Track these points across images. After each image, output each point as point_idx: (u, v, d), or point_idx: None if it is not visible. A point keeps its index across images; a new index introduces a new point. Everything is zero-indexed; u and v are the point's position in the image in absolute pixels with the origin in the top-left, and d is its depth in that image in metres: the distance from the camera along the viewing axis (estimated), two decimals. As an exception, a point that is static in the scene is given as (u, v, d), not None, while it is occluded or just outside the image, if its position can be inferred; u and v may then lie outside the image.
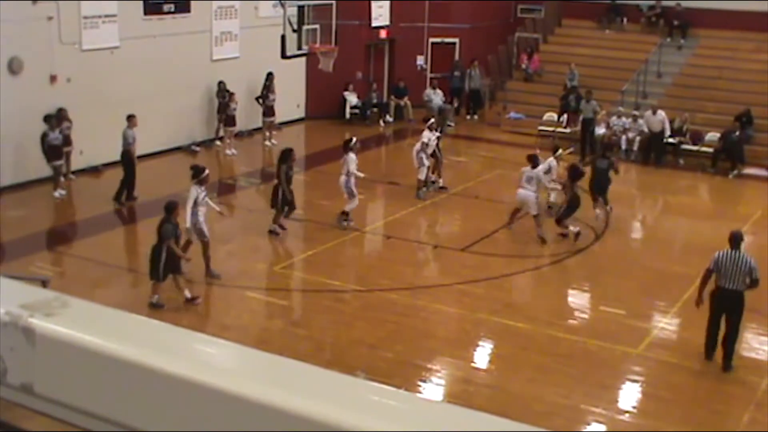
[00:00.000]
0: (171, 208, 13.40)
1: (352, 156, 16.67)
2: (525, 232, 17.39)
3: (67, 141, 18.89)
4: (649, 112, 23.65)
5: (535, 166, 16.77)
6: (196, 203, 14.19)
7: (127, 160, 18.49)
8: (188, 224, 14.11)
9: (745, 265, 11.68)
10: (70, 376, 2.04)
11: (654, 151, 23.34)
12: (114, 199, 18.47)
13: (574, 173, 16.52)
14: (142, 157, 21.22)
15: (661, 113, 23.50)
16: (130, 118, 18.44)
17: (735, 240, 12.02)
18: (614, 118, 24.37)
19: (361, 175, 17.01)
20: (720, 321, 11.88)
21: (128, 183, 18.52)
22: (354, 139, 17.28)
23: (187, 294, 13.40)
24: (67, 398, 2.04)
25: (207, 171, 14.60)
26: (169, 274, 13.26)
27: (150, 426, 1.97)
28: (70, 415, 2.06)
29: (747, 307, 13.98)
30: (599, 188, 17.61)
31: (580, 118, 23.91)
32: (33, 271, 13.98)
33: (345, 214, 16.93)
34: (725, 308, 11.81)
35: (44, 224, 17.53)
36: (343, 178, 16.70)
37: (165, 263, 13.10)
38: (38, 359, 2.06)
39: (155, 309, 13.09)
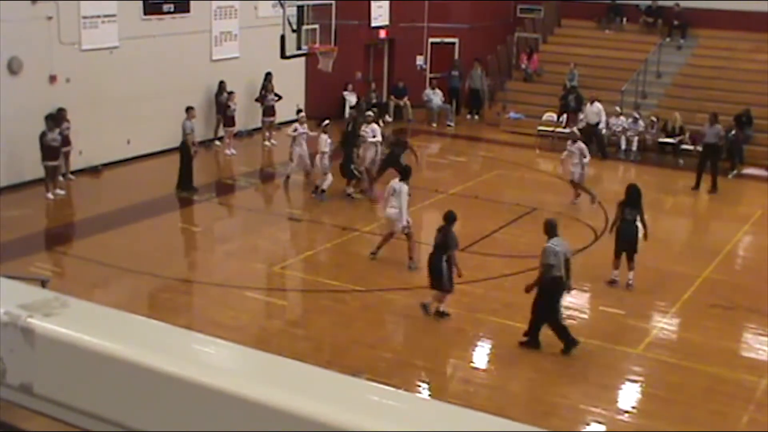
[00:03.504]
0: (454, 219, 13.23)
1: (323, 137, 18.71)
2: (524, 233, 17.39)
3: (65, 141, 18.89)
4: (588, 104, 23.69)
5: (575, 141, 18.79)
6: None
7: (184, 151, 19.07)
8: (404, 222, 15.07)
9: (569, 250, 12.16)
10: (69, 377, 2.03)
11: (595, 143, 23.30)
12: (177, 188, 19.07)
13: None
14: (142, 157, 21.29)
15: (598, 104, 23.56)
16: (189, 110, 19.33)
17: (555, 228, 12.33)
18: (613, 118, 24.38)
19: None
20: None
21: (186, 172, 19.12)
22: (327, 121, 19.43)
23: (443, 308, 13.18)
24: (67, 398, 2.04)
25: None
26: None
27: (149, 426, 1.97)
28: (70, 415, 2.06)
29: (747, 308, 14.04)
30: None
31: (704, 141, 21.45)
32: (32, 271, 13.96)
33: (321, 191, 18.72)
34: (561, 296, 12.12)
35: (43, 224, 17.53)
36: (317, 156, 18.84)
37: (449, 273, 12.97)
38: (37, 359, 2.06)
39: (443, 318, 12.97)
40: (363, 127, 19.60)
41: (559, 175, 22.54)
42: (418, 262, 14.82)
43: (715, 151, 21.18)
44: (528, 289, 12.28)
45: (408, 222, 15.24)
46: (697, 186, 21.06)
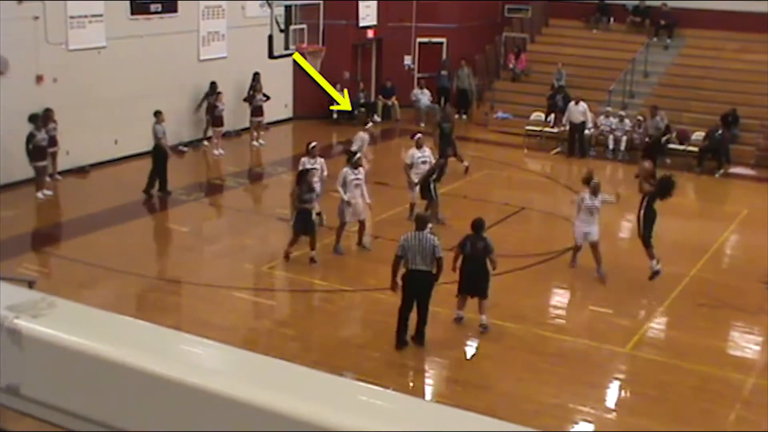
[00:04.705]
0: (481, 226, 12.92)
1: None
2: (512, 232, 17.41)
3: (52, 142, 18.85)
4: (571, 104, 23.85)
5: (597, 192, 14.84)
6: (345, 184, 15.46)
7: (158, 154, 18.83)
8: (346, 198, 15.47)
9: (428, 245, 11.85)
10: (57, 378, 2.02)
11: (578, 143, 23.82)
12: (144, 191, 18.81)
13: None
14: (129, 157, 21.22)
15: (583, 104, 23.75)
16: (158, 114, 18.94)
17: (420, 221, 12.29)
18: (602, 117, 24.46)
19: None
20: (412, 304, 12.09)
21: (160, 176, 18.86)
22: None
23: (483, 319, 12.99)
24: (55, 400, 2.03)
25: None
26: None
27: (137, 427, 1.96)
28: (58, 416, 2.04)
29: (734, 306, 14.09)
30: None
31: (647, 134, 22.25)
32: (20, 272, 13.90)
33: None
34: (416, 290, 12.02)
35: (31, 225, 17.45)
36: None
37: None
38: (25, 361, 2.05)
39: (484, 331, 12.78)
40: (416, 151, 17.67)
41: (548, 175, 22.60)
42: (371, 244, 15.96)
43: (657, 142, 22.18)
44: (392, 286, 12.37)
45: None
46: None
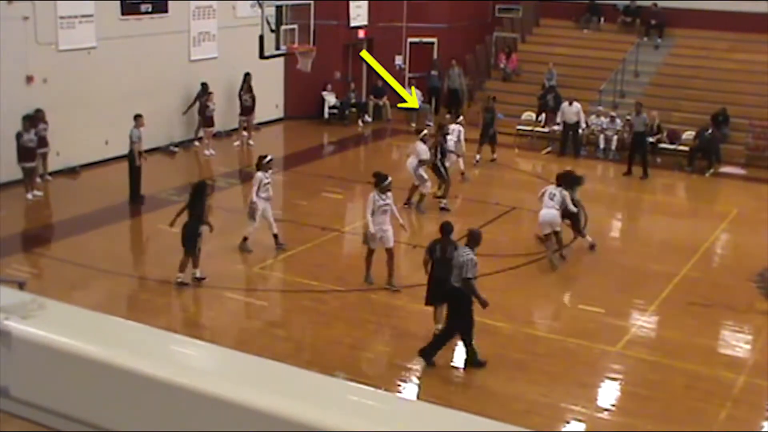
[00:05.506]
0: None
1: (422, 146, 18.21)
2: (504, 232, 17.43)
3: (42, 142, 18.79)
4: (565, 104, 23.94)
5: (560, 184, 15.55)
6: (373, 210, 14.14)
7: (132, 160, 18.58)
8: (372, 230, 14.12)
9: (457, 261, 11.68)
10: (47, 379, 2.02)
11: (571, 142, 23.99)
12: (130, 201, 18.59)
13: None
14: (120, 158, 21.15)
15: (577, 105, 23.87)
16: (137, 117, 18.49)
17: (471, 237, 11.99)
18: (593, 117, 24.51)
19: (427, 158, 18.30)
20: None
21: (134, 183, 18.56)
22: (424, 131, 19.09)
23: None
24: (44, 401, 2.02)
25: (389, 178, 14.36)
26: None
27: (127, 427, 1.96)
28: (47, 417, 2.04)
29: (724, 305, 14.13)
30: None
31: (633, 130, 22.36)
32: (9, 273, 13.85)
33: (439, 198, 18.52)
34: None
35: (21, 226, 17.40)
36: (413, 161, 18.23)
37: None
38: (14, 362, 2.04)
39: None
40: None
41: (539, 174, 22.62)
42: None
43: (643, 138, 22.23)
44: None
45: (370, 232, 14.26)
46: (628, 172, 22.19)
